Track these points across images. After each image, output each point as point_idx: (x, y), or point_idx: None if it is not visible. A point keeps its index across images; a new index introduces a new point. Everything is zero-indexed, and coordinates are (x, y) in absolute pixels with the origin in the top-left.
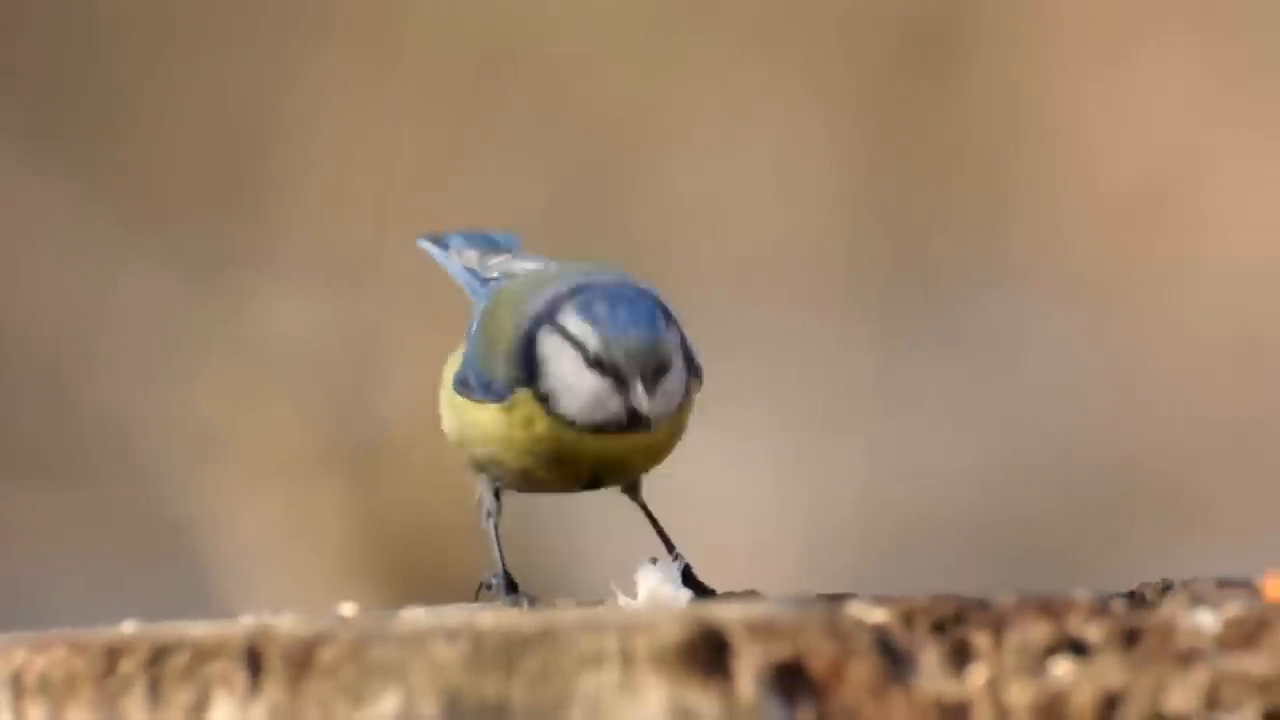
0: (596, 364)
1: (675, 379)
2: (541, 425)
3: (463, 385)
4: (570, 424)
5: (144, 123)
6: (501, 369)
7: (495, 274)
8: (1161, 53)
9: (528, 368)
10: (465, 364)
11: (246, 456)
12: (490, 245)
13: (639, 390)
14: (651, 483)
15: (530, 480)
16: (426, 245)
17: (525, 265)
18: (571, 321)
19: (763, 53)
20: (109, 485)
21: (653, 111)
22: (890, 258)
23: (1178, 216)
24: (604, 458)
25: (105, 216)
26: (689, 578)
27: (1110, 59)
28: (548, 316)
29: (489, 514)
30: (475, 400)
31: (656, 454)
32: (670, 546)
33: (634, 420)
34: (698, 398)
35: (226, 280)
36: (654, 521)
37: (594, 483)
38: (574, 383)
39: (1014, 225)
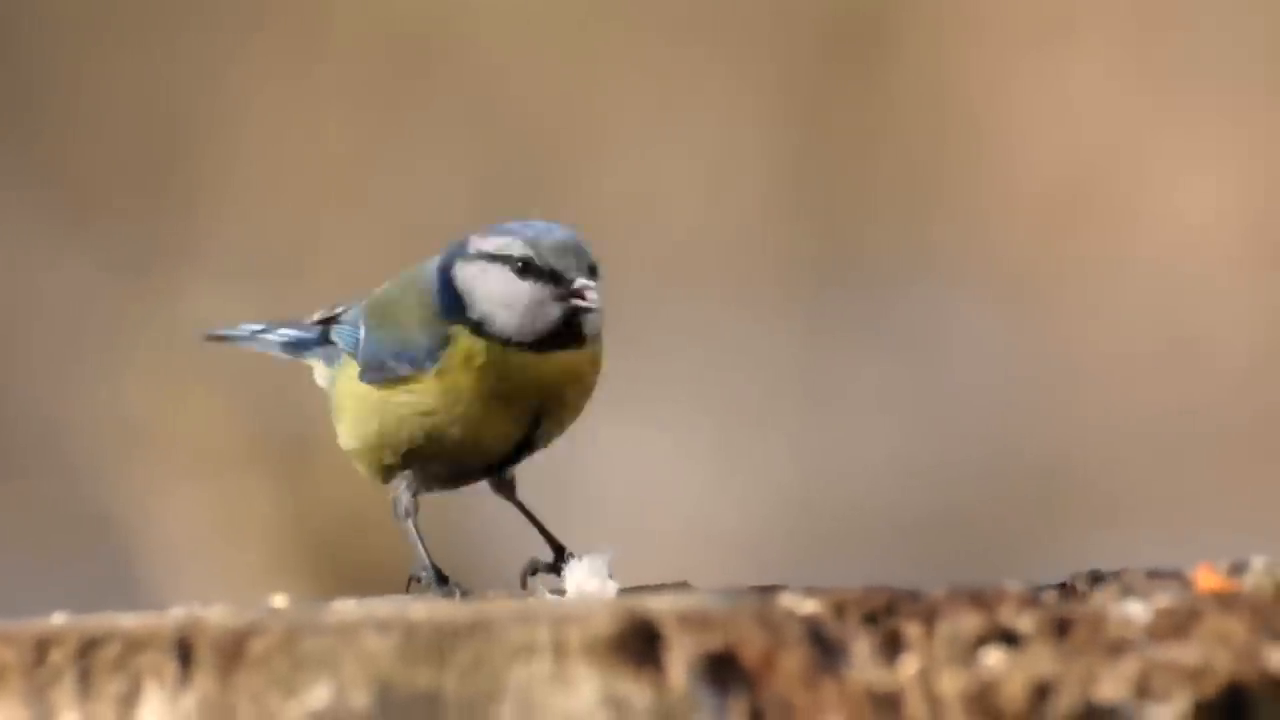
0: (529, 270)
1: (601, 291)
2: (481, 357)
3: (377, 371)
4: (508, 343)
5: (71, 117)
6: (420, 333)
7: (339, 309)
8: (1089, 47)
9: (452, 306)
10: (370, 357)
11: (175, 451)
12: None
13: (582, 282)
14: (579, 474)
15: (464, 449)
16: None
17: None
18: (489, 243)
19: (691, 46)
20: (37, 479)
21: (581, 104)
22: (818, 251)
23: (1104, 212)
24: (544, 385)
25: (32, 212)
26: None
27: (1037, 53)
28: (459, 253)
29: (406, 513)
30: (398, 379)
31: (585, 387)
32: (555, 544)
33: (570, 327)
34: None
35: (154, 275)
36: (534, 519)
37: (529, 436)
38: (509, 297)
39: (941, 219)
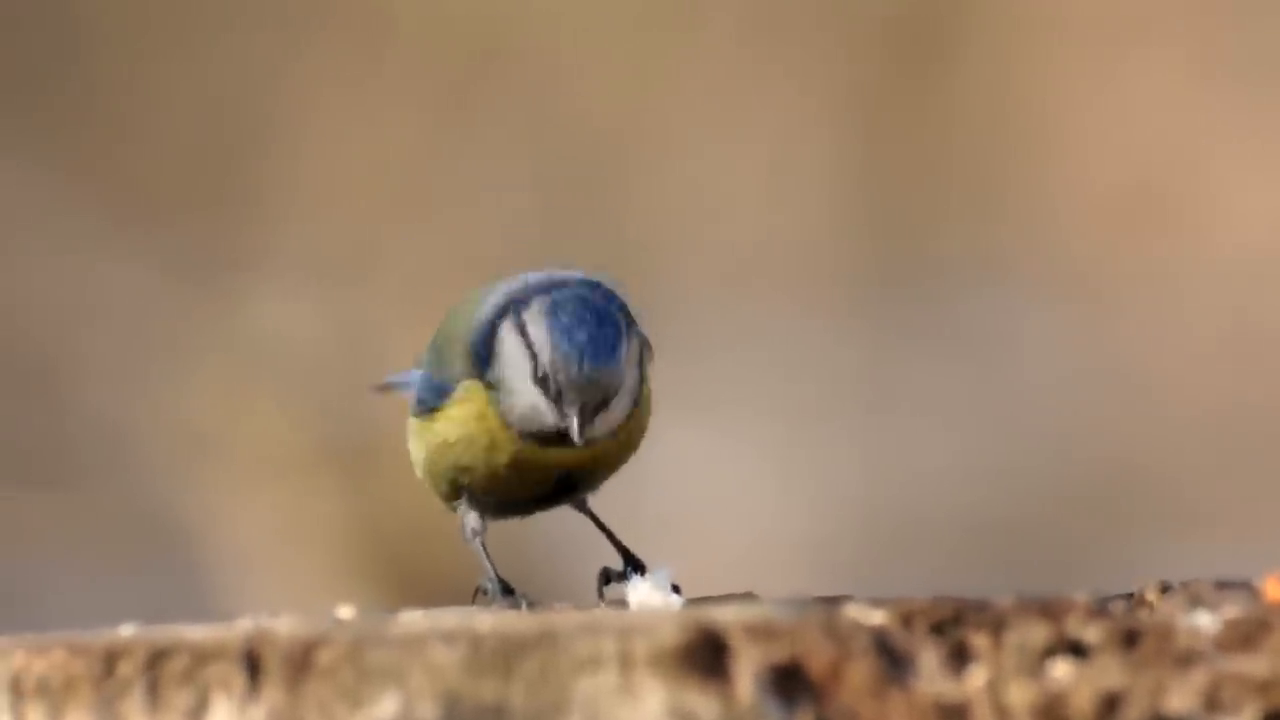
0: (541, 381)
1: (619, 405)
2: (493, 421)
3: (420, 405)
4: (509, 428)
5: (133, 121)
6: (458, 363)
7: None
8: (1153, 49)
9: (483, 356)
10: (419, 389)
11: (241, 458)
12: None
13: (574, 422)
14: (643, 483)
15: (503, 487)
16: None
17: None
18: (533, 324)
19: (754, 51)
20: (102, 487)
21: (643, 109)
22: (883, 255)
23: (1170, 213)
24: (560, 464)
25: (95, 216)
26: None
27: (1102, 56)
28: (515, 307)
29: (474, 532)
30: (432, 411)
31: (614, 460)
32: (627, 555)
33: (565, 438)
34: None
35: (218, 280)
36: (607, 531)
37: (564, 487)
38: (518, 389)
39: (1007, 222)
